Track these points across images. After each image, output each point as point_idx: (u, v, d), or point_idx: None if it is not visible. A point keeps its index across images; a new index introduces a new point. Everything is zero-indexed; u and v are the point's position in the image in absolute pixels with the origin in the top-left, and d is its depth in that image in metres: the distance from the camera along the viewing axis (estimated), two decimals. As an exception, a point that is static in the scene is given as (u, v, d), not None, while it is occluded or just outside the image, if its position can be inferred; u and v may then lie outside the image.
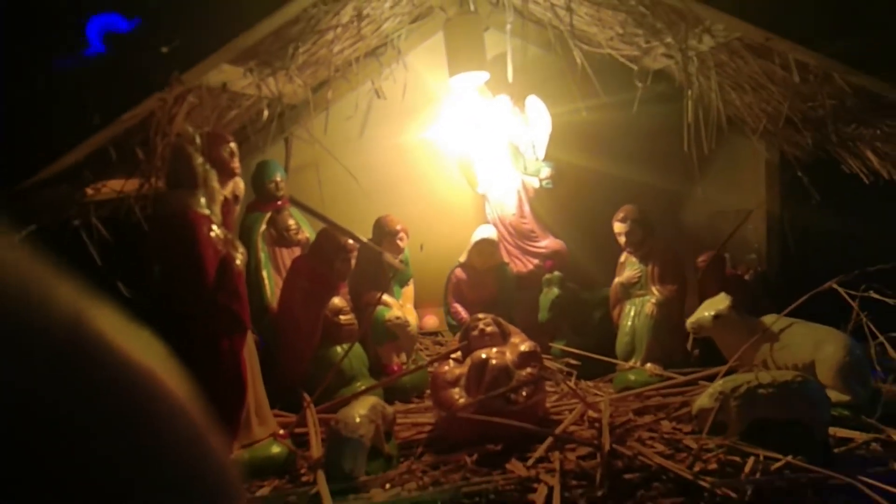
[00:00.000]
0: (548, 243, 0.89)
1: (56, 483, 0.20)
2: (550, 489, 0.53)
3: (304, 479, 0.61)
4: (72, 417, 0.21)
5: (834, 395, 0.62)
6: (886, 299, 0.64)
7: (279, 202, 0.93)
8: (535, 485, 0.54)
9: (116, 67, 0.59)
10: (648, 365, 0.73)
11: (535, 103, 0.99)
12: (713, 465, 0.56)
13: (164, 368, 0.24)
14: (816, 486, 0.52)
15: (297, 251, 0.91)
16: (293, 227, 0.92)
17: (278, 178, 0.92)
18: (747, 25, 0.70)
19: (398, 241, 0.87)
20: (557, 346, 0.84)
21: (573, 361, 0.78)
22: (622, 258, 0.82)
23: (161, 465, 0.23)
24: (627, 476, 0.55)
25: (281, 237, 0.89)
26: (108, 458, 0.22)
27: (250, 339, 0.63)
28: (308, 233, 0.93)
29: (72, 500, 0.21)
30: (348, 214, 0.93)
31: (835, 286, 0.66)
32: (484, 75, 0.95)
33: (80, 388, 0.22)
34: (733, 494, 0.50)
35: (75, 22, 0.71)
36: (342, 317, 0.71)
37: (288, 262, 0.87)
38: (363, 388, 0.71)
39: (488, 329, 0.68)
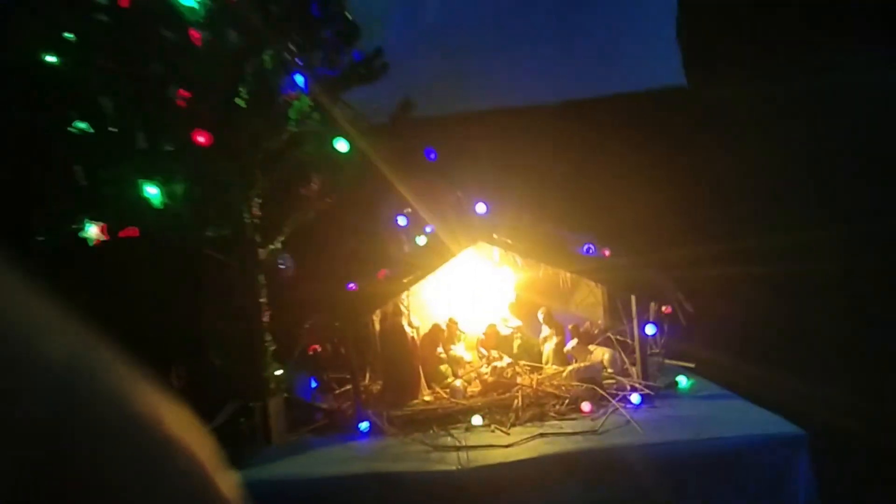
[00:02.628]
0: (515, 323, 1.98)
1: None
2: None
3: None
4: (63, 459, 0.22)
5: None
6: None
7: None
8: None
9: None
10: (553, 367, 1.82)
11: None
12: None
13: (162, 406, 0.26)
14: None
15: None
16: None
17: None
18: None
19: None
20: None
21: (529, 367, 1.86)
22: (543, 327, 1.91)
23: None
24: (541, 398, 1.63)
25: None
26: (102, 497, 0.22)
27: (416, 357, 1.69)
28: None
29: None
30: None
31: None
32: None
33: (73, 429, 0.22)
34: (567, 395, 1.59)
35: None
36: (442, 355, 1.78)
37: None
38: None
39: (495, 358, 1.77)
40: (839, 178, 1.94)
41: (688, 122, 1.91)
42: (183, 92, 1.26)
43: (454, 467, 1.16)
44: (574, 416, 1.41)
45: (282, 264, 1.38)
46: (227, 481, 0.29)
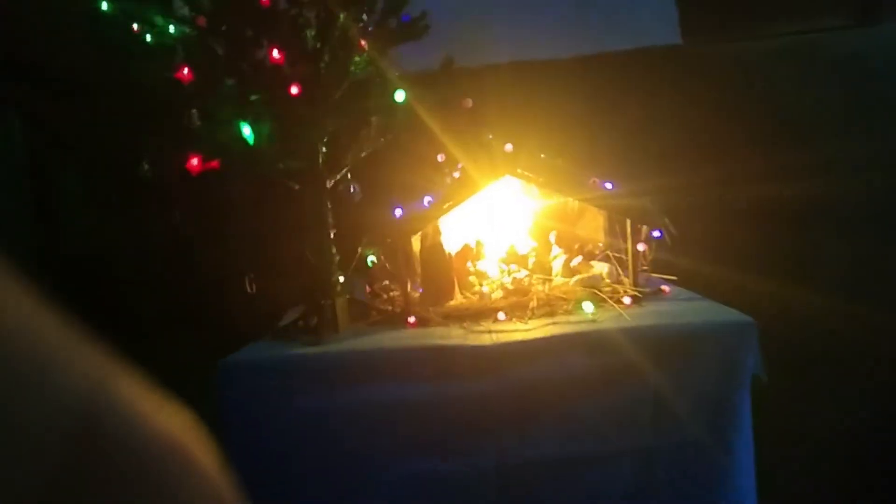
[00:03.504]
0: (532, 243, 2.36)
1: None
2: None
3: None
4: (81, 492, 0.22)
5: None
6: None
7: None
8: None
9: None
10: (562, 278, 2.20)
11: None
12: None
13: (191, 438, 0.26)
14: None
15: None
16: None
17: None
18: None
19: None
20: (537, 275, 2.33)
21: (542, 278, 2.25)
22: (554, 247, 2.30)
23: None
24: (552, 301, 2.03)
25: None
26: None
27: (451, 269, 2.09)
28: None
29: None
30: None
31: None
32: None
33: (100, 475, 0.22)
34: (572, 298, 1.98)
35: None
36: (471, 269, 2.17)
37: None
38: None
39: (514, 272, 2.16)
40: (814, 124, 2.28)
41: (681, 75, 2.24)
42: (275, 53, 1.59)
43: (488, 343, 1.55)
44: (580, 315, 1.80)
45: (353, 191, 1.73)
46: None
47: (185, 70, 1.79)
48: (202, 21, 1.69)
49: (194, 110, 1.61)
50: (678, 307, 1.72)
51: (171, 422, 0.25)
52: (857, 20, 2.18)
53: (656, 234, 1.96)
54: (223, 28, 1.64)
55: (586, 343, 1.55)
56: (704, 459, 1.55)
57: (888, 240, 2.19)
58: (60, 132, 2.10)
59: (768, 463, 1.66)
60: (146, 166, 1.92)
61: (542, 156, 1.98)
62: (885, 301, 2.16)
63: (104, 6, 1.80)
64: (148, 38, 1.81)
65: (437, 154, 1.94)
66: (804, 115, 2.20)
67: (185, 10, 1.79)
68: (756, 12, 2.26)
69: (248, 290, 2.16)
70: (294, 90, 1.56)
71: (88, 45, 1.97)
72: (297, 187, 1.89)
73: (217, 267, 2.21)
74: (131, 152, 1.96)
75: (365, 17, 1.62)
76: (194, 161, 1.83)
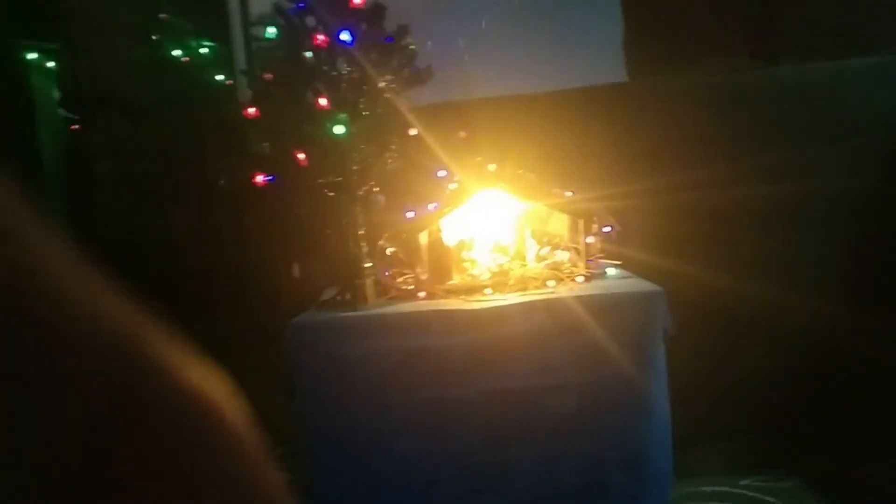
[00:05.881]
0: (512, 236, 3.04)
1: None
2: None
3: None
4: (125, 465, 0.22)
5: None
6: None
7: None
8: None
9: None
10: (534, 264, 2.87)
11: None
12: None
13: (224, 398, 0.26)
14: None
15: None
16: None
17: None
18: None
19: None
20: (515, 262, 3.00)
21: (519, 263, 2.92)
22: (529, 240, 2.97)
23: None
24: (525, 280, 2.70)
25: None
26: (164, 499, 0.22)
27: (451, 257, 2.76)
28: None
29: None
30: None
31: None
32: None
33: (132, 431, 0.23)
34: (540, 278, 2.66)
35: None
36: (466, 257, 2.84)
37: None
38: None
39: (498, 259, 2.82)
40: (728, 143, 2.94)
41: (627, 106, 2.90)
42: (322, 99, 2.25)
43: (480, 307, 2.21)
44: (544, 289, 2.47)
45: (379, 200, 2.39)
46: (277, 473, 0.28)
47: (253, 110, 2.45)
48: (268, 76, 2.34)
49: (265, 143, 2.26)
50: (614, 283, 2.39)
51: (202, 380, 0.26)
52: (761, 63, 2.85)
53: (606, 229, 2.63)
54: (283, 81, 2.29)
55: (547, 307, 2.21)
56: (630, 391, 2.21)
57: (786, 233, 2.87)
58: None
59: (681, 397, 2.33)
60: (222, 181, 2.58)
61: (520, 172, 2.65)
62: (785, 283, 2.84)
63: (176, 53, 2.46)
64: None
65: (439, 171, 2.60)
66: (721, 136, 2.87)
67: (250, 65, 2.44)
68: (684, 57, 2.92)
69: (295, 274, 2.83)
70: (339, 130, 2.21)
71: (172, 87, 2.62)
72: (335, 195, 2.54)
73: (270, 257, 2.86)
74: (212, 171, 2.62)
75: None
76: (259, 177, 2.49)
